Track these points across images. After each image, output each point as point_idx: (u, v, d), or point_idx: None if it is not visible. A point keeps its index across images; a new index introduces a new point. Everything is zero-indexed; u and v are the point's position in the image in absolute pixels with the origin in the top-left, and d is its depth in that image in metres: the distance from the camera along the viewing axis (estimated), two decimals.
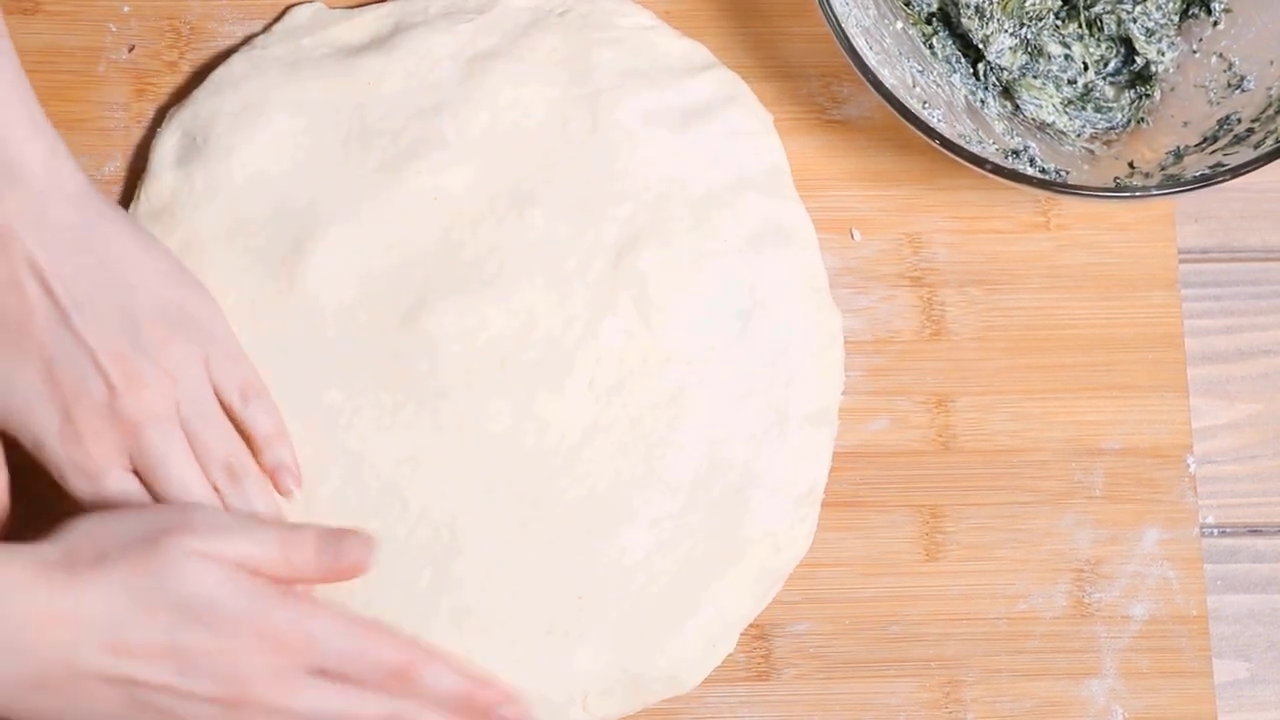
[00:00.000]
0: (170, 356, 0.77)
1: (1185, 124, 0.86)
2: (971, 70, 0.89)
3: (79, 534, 0.70)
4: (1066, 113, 0.88)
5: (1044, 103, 0.88)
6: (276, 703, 0.70)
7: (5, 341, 0.75)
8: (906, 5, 0.88)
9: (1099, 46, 0.88)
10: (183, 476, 0.76)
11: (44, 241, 0.75)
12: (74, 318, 0.75)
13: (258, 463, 0.79)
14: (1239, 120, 0.84)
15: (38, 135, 0.75)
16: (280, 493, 0.79)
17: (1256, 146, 0.80)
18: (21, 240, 0.75)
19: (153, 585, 0.69)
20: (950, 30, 0.89)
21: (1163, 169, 0.84)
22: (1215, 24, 0.87)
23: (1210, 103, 0.86)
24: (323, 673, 0.71)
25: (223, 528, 0.72)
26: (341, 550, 0.73)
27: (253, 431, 0.80)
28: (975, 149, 0.80)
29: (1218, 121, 0.84)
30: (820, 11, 0.79)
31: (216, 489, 0.77)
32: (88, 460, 0.75)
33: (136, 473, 0.77)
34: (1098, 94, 0.89)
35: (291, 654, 0.70)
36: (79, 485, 0.76)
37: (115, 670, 0.68)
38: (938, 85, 0.86)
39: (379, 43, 0.87)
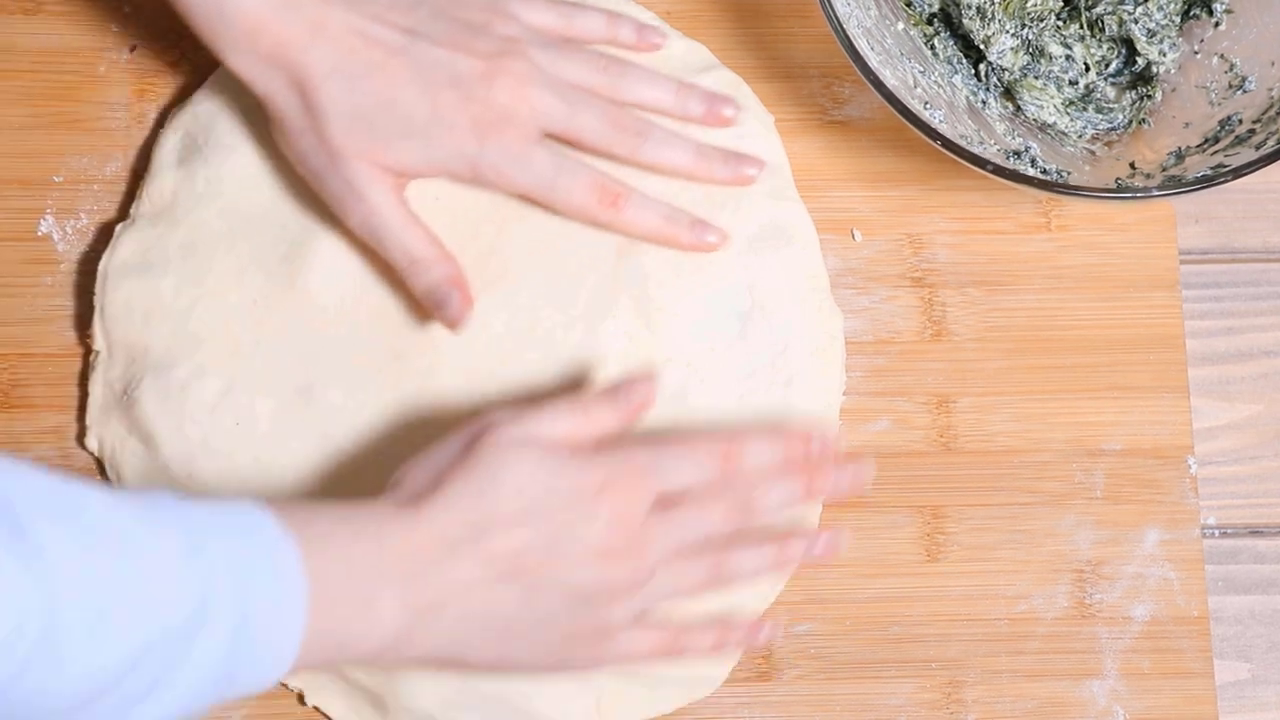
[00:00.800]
0: (495, 22, 0.80)
1: (1186, 125, 0.86)
2: (973, 71, 0.89)
3: (411, 476, 0.74)
4: (1068, 113, 0.88)
5: (1045, 103, 0.88)
6: (647, 599, 0.74)
7: (388, 106, 0.78)
8: (908, 6, 0.88)
9: (1100, 47, 0.88)
10: (585, 110, 0.80)
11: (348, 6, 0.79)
12: (416, 39, 0.78)
13: (619, 48, 0.84)
14: (1240, 121, 0.84)
15: None
16: (655, 48, 0.85)
17: (1258, 147, 0.80)
18: (334, 19, 0.78)
19: (490, 485, 0.72)
20: (952, 31, 0.89)
21: (1164, 170, 0.84)
22: (1217, 25, 0.87)
23: (1211, 104, 0.86)
24: (664, 500, 0.75)
25: (522, 416, 0.75)
26: (631, 393, 0.77)
27: (593, 36, 0.84)
28: (976, 150, 0.80)
29: (1219, 122, 0.84)
30: (822, 12, 0.79)
31: (612, 99, 0.82)
32: (509, 144, 0.79)
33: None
34: (1099, 95, 0.89)
35: (640, 490, 0.73)
36: (514, 172, 0.80)
37: (491, 551, 0.71)
38: (939, 86, 0.86)
39: None
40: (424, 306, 0.81)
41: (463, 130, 0.78)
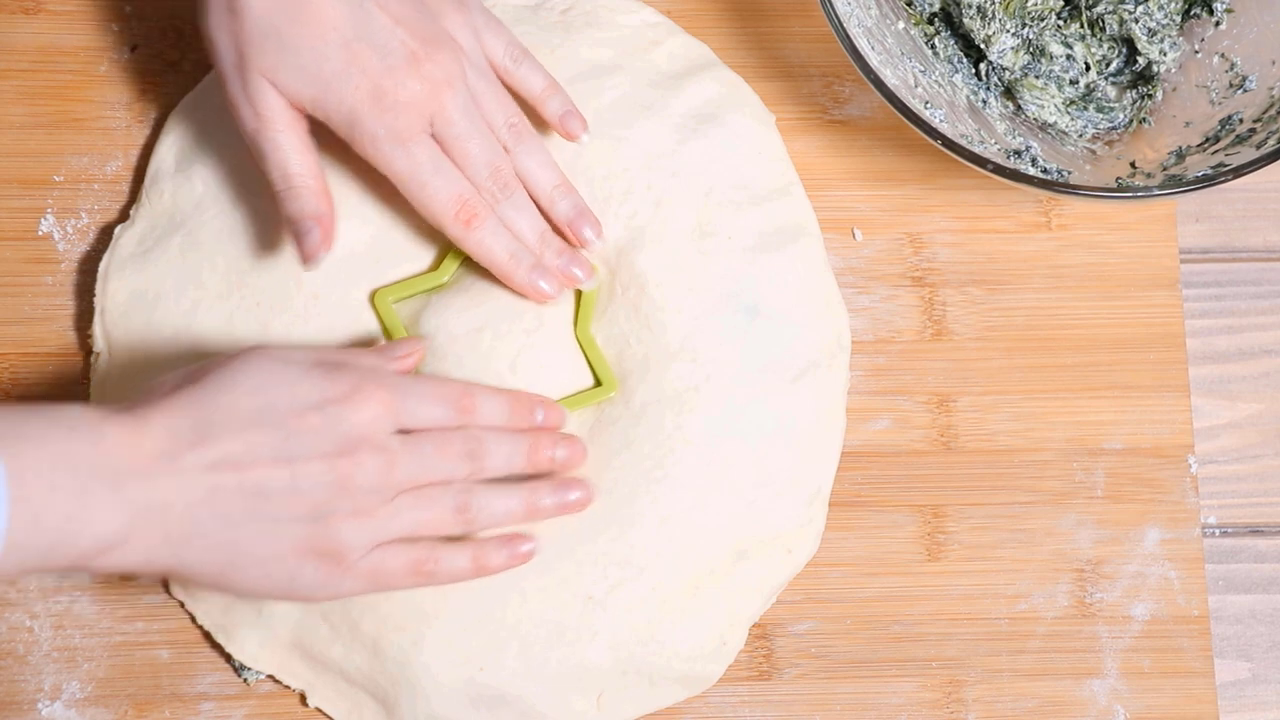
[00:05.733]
0: (452, 21, 0.80)
1: (1187, 124, 0.86)
2: (973, 70, 0.89)
3: (149, 387, 0.72)
4: (1068, 113, 0.88)
5: (1046, 103, 0.88)
6: (384, 527, 0.72)
7: (306, 35, 0.76)
8: (908, 5, 0.88)
9: (1101, 47, 0.88)
10: (479, 140, 0.80)
11: None
12: None
13: (542, 116, 0.83)
14: (1241, 120, 0.84)
15: None
16: (571, 137, 0.83)
17: (1258, 146, 0.80)
18: None
19: (226, 387, 0.70)
20: (952, 30, 0.89)
21: (1164, 169, 0.84)
22: (1217, 24, 0.87)
23: (1212, 103, 0.86)
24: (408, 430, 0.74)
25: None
26: (397, 351, 0.78)
27: (527, 90, 0.83)
28: (977, 149, 0.80)
29: (1219, 121, 0.84)
30: (822, 11, 0.79)
31: (505, 149, 0.81)
32: (399, 125, 0.78)
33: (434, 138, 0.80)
34: (1099, 94, 0.89)
35: (388, 405, 0.72)
36: (392, 152, 0.78)
37: (219, 451, 0.69)
38: (939, 85, 0.86)
39: None
40: (289, 233, 0.81)
41: (363, 94, 0.77)
